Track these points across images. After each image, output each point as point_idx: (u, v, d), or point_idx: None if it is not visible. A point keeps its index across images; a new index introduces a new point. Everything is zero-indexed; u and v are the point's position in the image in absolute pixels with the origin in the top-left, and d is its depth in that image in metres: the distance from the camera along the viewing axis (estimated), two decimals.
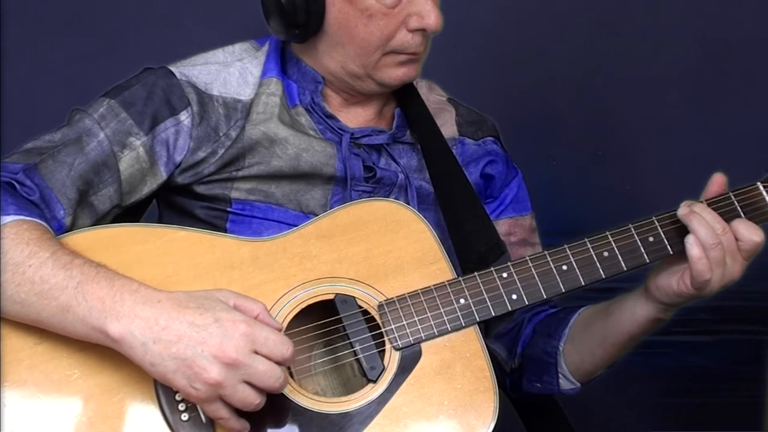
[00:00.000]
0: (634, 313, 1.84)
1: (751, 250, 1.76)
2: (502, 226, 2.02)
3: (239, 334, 1.55)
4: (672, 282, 1.78)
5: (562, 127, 2.82)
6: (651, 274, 1.82)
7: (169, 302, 1.57)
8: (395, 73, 1.87)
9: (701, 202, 1.79)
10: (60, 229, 1.73)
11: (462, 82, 2.32)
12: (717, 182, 1.82)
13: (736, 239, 1.75)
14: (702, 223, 1.74)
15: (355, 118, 1.94)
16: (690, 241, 1.74)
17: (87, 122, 1.81)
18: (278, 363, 1.57)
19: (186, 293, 1.60)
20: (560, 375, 1.93)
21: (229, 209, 1.86)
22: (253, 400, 1.56)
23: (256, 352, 1.56)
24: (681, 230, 1.77)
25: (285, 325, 1.69)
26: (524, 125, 2.70)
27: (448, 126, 2.00)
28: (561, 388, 1.94)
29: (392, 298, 1.73)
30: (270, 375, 1.56)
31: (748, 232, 1.75)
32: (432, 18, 1.82)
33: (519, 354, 1.99)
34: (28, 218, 1.67)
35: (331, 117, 1.91)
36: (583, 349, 1.91)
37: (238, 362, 1.54)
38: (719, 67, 2.84)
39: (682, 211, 1.77)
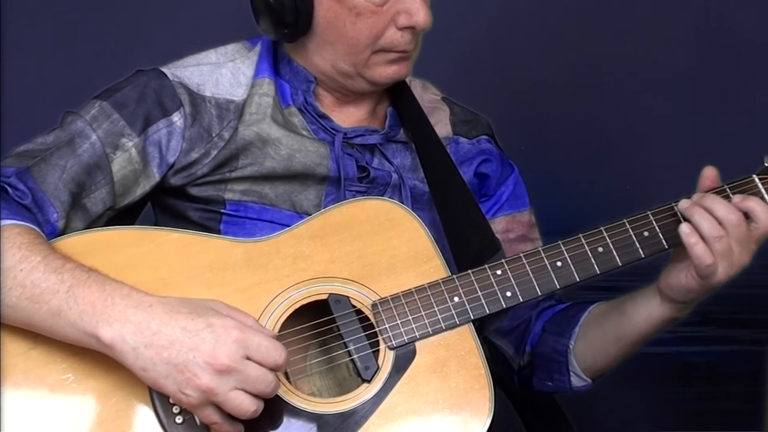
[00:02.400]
0: (650, 314, 1.83)
1: (765, 234, 1.75)
2: (499, 223, 2.01)
3: (231, 340, 1.54)
4: (681, 277, 1.76)
5: (560, 126, 2.82)
6: (662, 275, 1.81)
7: (161, 307, 1.57)
8: (385, 72, 1.87)
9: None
10: (53, 233, 1.73)
11: (459, 81, 2.32)
12: (709, 177, 1.80)
13: (751, 220, 1.73)
14: (704, 217, 1.73)
15: (347, 117, 1.93)
16: (684, 231, 1.72)
17: (79, 124, 1.81)
18: (271, 369, 1.57)
19: (178, 298, 1.60)
20: (572, 373, 1.93)
21: (222, 210, 1.85)
22: (248, 407, 1.55)
23: (249, 358, 1.55)
24: (676, 224, 1.76)
25: (279, 325, 1.69)
26: (522, 125, 2.70)
27: (442, 125, 1.99)
28: (573, 386, 1.94)
29: (386, 297, 1.72)
30: (262, 380, 1.55)
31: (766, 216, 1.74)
32: (421, 15, 1.82)
33: (528, 352, 1.99)
34: (20, 222, 1.66)
35: (323, 117, 1.91)
36: (596, 348, 1.90)
37: (230, 368, 1.53)
38: (718, 66, 2.85)
39: (684, 204, 1.76)
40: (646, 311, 1.83)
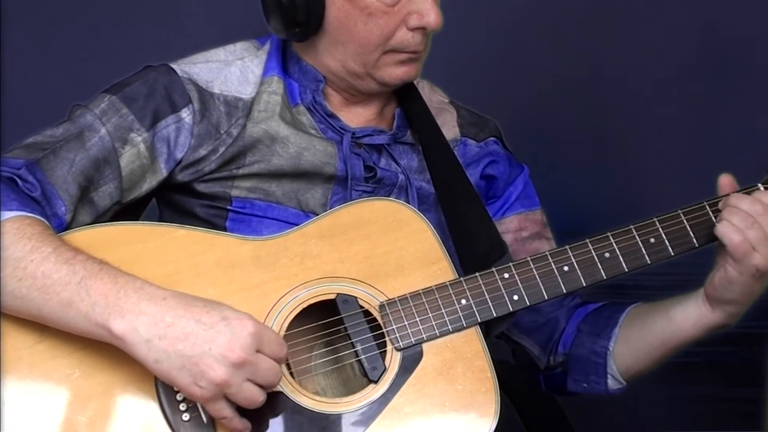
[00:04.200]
0: (700, 320, 1.83)
1: None
2: (511, 222, 2.02)
3: (247, 332, 1.56)
4: (722, 271, 1.77)
5: (563, 127, 2.82)
6: (707, 283, 1.81)
7: (175, 300, 1.58)
8: (395, 72, 1.87)
9: (706, 201, 1.80)
10: (60, 226, 1.73)
11: (463, 82, 2.32)
12: (727, 184, 1.82)
13: None
14: (732, 212, 1.75)
15: (356, 117, 1.93)
16: (718, 226, 1.75)
17: (88, 117, 1.81)
18: (279, 358, 1.59)
19: (190, 294, 1.60)
20: (609, 375, 1.94)
21: (229, 207, 1.85)
22: (258, 397, 1.57)
23: (259, 351, 1.56)
24: (682, 231, 1.78)
25: (286, 324, 1.69)
26: (525, 126, 2.69)
27: (449, 127, 2.00)
28: (609, 388, 1.95)
29: (394, 298, 1.73)
30: (272, 372, 1.58)
31: None
32: (432, 16, 1.82)
33: (562, 353, 1.99)
34: (29, 214, 1.66)
35: (332, 116, 1.91)
36: (637, 351, 1.91)
37: (246, 361, 1.55)
38: (719, 67, 2.85)
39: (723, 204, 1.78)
40: (695, 317, 1.84)
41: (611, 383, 1.94)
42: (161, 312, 1.56)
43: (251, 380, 1.56)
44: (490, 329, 1.83)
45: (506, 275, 1.76)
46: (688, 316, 1.84)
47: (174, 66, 1.88)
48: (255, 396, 1.57)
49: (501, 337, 1.99)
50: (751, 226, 1.73)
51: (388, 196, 1.90)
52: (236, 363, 1.54)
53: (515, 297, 1.75)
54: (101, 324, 1.57)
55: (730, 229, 1.74)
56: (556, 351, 2.00)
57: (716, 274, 1.78)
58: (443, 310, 1.72)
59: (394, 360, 1.70)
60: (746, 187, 1.82)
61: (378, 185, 1.90)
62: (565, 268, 1.77)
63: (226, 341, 1.54)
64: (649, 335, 1.89)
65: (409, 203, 1.88)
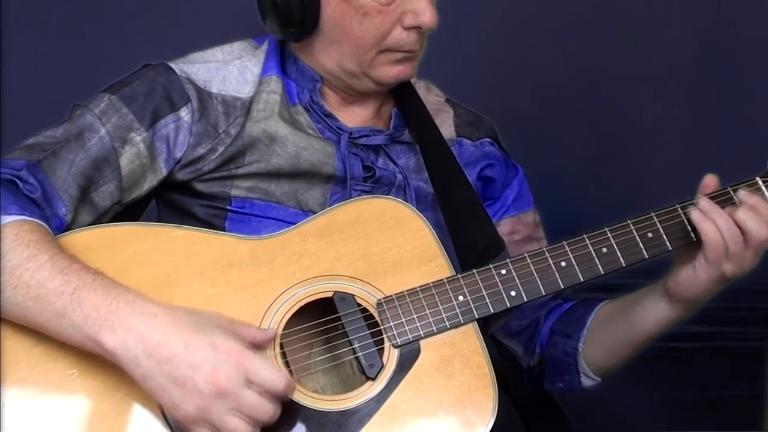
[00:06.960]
0: (660, 317, 1.84)
1: (759, 246, 1.75)
2: (504, 225, 2.02)
3: (232, 362, 1.55)
4: (690, 273, 1.77)
5: (562, 125, 2.83)
6: (670, 276, 1.82)
7: (166, 317, 1.57)
8: (391, 71, 1.87)
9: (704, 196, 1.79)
10: (61, 227, 1.73)
11: (462, 82, 2.32)
12: (710, 186, 1.81)
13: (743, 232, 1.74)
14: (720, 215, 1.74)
15: (353, 117, 1.94)
16: (695, 217, 1.75)
17: (88, 117, 1.81)
18: (275, 395, 1.57)
19: (184, 310, 1.60)
20: (581, 374, 1.95)
21: (228, 207, 1.85)
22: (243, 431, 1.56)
23: (250, 383, 1.55)
24: (680, 226, 1.78)
25: (283, 323, 1.69)
26: (524, 125, 2.70)
27: (446, 127, 2.00)
28: (583, 386, 1.96)
29: (391, 295, 1.73)
30: (259, 409, 1.56)
31: (757, 227, 1.74)
32: (427, 15, 1.82)
33: (538, 353, 2.00)
34: (29, 219, 1.66)
35: (329, 116, 1.91)
36: (604, 350, 1.92)
37: (227, 391, 1.54)
38: (719, 66, 2.85)
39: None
40: (654, 315, 1.85)
41: (585, 381, 1.95)
42: (150, 330, 1.56)
43: (237, 414, 1.55)
44: (488, 326, 1.83)
45: (503, 271, 1.76)
46: (648, 314, 1.85)
47: (172, 65, 1.88)
48: (238, 430, 1.55)
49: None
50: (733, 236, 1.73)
51: (387, 195, 1.90)
52: (217, 392, 1.53)
53: (512, 293, 1.75)
54: (92, 337, 1.57)
55: (713, 233, 1.73)
56: (534, 351, 2.01)
57: (682, 275, 1.79)
58: (440, 307, 1.72)
59: (391, 357, 1.69)
60: (744, 180, 1.82)
61: (376, 184, 1.90)
62: (563, 264, 1.77)
63: (210, 368, 1.54)
64: (613, 335, 1.91)
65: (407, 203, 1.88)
